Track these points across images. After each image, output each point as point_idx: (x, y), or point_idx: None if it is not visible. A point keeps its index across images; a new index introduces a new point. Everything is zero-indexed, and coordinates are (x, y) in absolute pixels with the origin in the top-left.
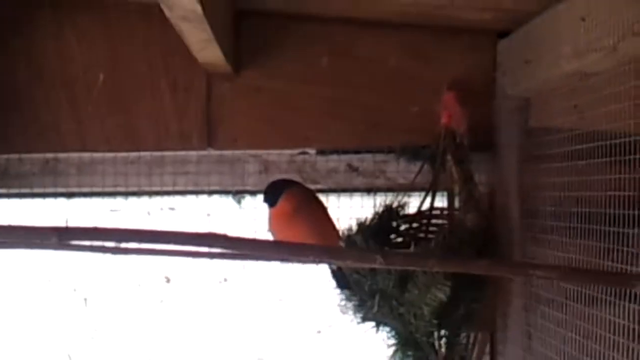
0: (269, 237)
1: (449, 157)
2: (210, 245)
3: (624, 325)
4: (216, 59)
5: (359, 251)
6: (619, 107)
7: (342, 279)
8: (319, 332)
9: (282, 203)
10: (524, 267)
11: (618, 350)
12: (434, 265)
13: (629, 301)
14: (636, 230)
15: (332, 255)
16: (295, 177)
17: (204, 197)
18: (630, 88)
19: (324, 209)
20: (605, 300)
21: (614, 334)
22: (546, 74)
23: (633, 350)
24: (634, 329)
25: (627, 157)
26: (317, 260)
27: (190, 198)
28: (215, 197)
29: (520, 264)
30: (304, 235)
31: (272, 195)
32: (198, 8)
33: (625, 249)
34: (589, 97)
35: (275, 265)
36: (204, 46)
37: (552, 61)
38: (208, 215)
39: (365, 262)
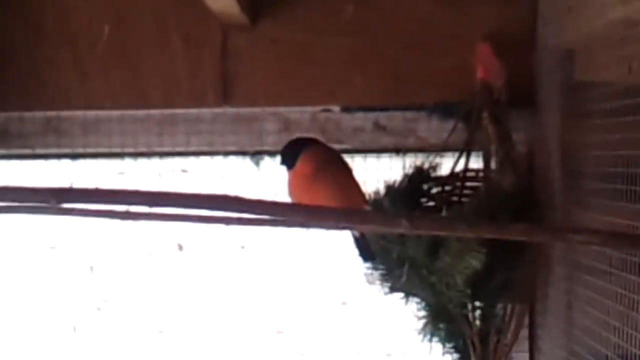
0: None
1: (485, 115)
2: (222, 209)
3: None
4: (231, 8)
5: (382, 215)
6: None
7: (365, 249)
8: (344, 303)
9: (301, 164)
10: (563, 231)
11: None
12: (465, 231)
13: None
14: None
15: (352, 219)
16: (318, 136)
17: (219, 159)
18: None
19: (348, 171)
20: None
21: None
22: (590, 23)
23: None
24: None
25: None
26: (337, 224)
27: (205, 159)
28: (232, 158)
29: (559, 228)
30: (326, 199)
31: (289, 156)
32: None
33: None
34: (639, 47)
35: (297, 232)
36: None
37: (597, 8)
38: (223, 177)
39: (389, 226)
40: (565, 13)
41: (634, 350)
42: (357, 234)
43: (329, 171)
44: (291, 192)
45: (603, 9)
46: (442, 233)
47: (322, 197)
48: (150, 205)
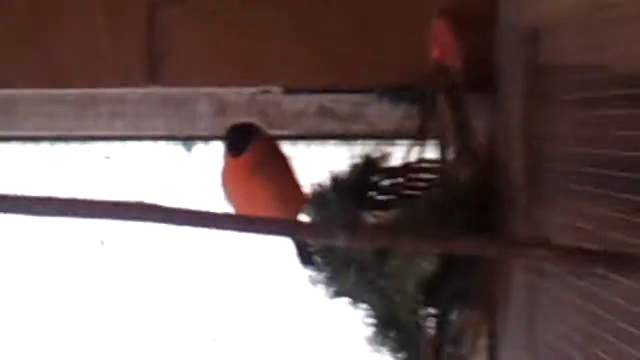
0: (220, 193)
1: (440, 99)
2: (139, 218)
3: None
4: None
5: (318, 226)
6: None
7: (305, 252)
8: (285, 306)
9: (249, 154)
10: (516, 246)
11: (632, 343)
12: (408, 243)
13: None
14: None
15: (287, 230)
16: (257, 121)
17: (146, 144)
18: None
19: (289, 164)
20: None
21: (628, 324)
22: (555, 5)
23: None
24: None
25: None
26: (270, 234)
27: (130, 145)
28: (161, 143)
29: (512, 242)
30: (266, 195)
31: (239, 142)
32: None
33: None
34: (612, 31)
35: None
36: None
37: None
38: (151, 165)
39: (326, 238)
40: None
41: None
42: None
43: (275, 165)
44: (227, 183)
45: None
46: (382, 245)
47: (262, 193)
48: (57, 214)
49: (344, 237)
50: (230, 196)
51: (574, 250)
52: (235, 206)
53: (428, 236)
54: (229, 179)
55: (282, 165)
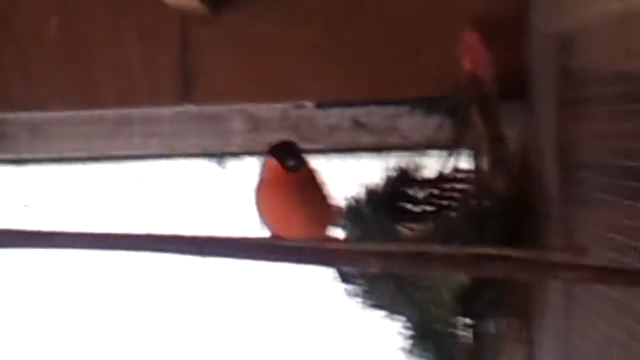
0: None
1: (473, 110)
2: (133, 249)
3: None
4: (188, 5)
5: (350, 252)
6: None
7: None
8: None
9: (304, 170)
10: (550, 267)
11: None
12: (440, 268)
13: None
14: None
15: (316, 257)
16: (290, 136)
17: (180, 162)
18: None
19: (320, 179)
20: None
21: None
22: (587, 11)
23: None
24: None
25: None
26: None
27: (164, 163)
28: (195, 160)
29: (546, 264)
30: (305, 212)
31: (296, 157)
32: None
33: None
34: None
35: None
36: None
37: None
38: (185, 182)
39: (357, 264)
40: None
41: None
42: None
43: (318, 183)
44: (265, 198)
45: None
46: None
47: (302, 210)
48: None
49: (374, 263)
50: (265, 213)
51: (609, 270)
52: (269, 223)
53: (460, 260)
54: (270, 194)
55: (318, 181)
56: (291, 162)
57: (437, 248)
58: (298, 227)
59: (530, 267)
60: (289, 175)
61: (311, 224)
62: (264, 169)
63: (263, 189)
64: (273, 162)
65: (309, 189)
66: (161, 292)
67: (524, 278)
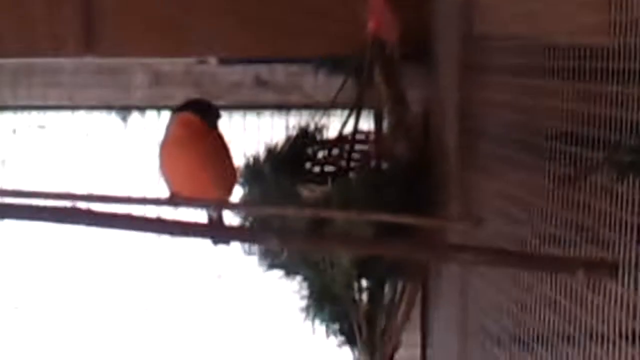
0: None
1: (376, 71)
2: (70, 222)
3: (565, 305)
4: None
5: (250, 231)
6: (586, 20)
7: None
8: (219, 276)
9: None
10: (447, 249)
11: (557, 334)
12: (339, 247)
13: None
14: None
15: (220, 233)
16: (192, 92)
17: (81, 114)
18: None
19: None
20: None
21: (552, 311)
22: None
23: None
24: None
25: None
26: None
27: (65, 114)
28: (96, 113)
29: (443, 246)
30: (212, 171)
31: (214, 115)
32: None
33: (572, 195)
34: (548, 2)
35: None
36: None
37: None
38: (86, 135)
39: (258, 242)
40: None
41: (526, 334)
42: (212, 213)
43: (225, 144)
44: (170, 152)
45: None
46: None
47: (208, 169)
48: None
49: (276, 242)
50: (170, 168)
51: (503, 252)
52: (172, 179)
53: (360, 240)
54: (179, 150)
55: (225, 141)
56: (212, 118)
57: (335, 213)
58: (203, 186)
59: (427, 248)
60: (206, 132)
61: (216, 183)
62: (175, 124)
63: (172, 144)
64: (188, 117)
65: (219, 148)
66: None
67: (421, 258)
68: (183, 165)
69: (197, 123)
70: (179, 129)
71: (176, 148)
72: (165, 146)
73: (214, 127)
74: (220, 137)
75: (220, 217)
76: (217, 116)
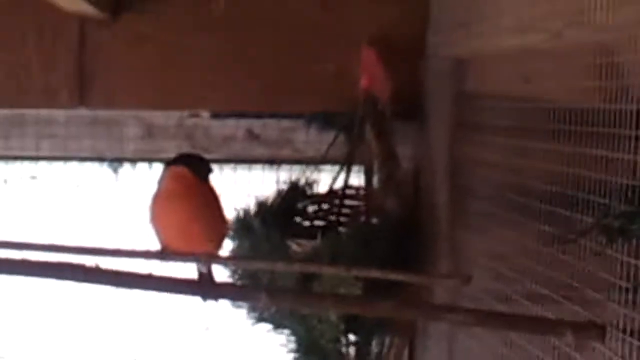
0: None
1: (368, 128)
2: (63, 278)
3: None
4: (86, 10)
5: (240, 288)
6: (577, 85)
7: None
8: (207, 329)
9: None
10: (436, 310)
11: None
12: (330, 306)
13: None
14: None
15: (206, 292)
16: (185, 144)
17: (73, 164)
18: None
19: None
20: None
21: None
22: (484, 43)
23: None
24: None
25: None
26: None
27: (57, 165)
28: (88, 164)
29: (432, 306)
30: (203, 225)
31: (205, 168)
32: None
33: (561, 256)
34: (541, 65)
35: None
36: (71, 1)
37: (491, 30)
38: (78, 186)
39: (247, 300)
40: (456, 26)
41: None
42: (202, 268)
43: (217, 197)
44: (161, 205)
45: (499, 32)
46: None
47: (200, 222)
48: None
49: (265, 299)
50: (162, 221)
51: (492, 314)
52: (163, 232)
53: (350, 300)
54: (171, 203)
55: (217, 195)
56: (204, 172)
57: (324, 268)
58: (194, 239)
59: (417, 308)
60: (198, 186)
61: (207, 237)
62: (167, 177)
63: (164, 198)
64: (181, 170)
65: (210, 201)
66: None
67: (411, 317)
68: (174, 218)
69: (189, 177)
70: (171, 183)
71: (168, 201)
72: (157, 199)
73: (206, 180)
74: (211, 191)
75: (210, 273)
76: (209, 170)
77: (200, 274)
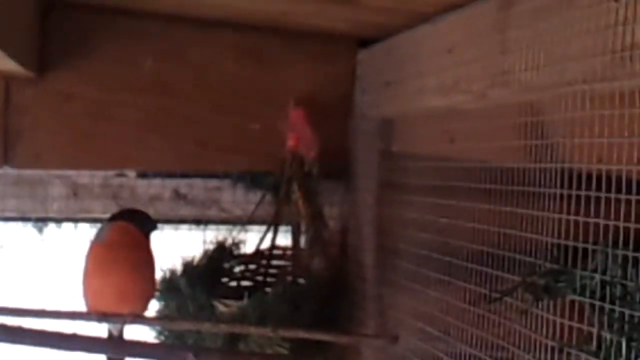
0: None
1: (295, 188)
2: None
3: None
4: (12, 69)
5: (168, 346)
6: (503, 144)
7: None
8: None
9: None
10: None
11: None
12: None
13: None
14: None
15: (133, 350)
16: (110, 204)
17: None
18: (519, 124)
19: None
20: None
21: None
22: (409, 103)
23: None
24: None
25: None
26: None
27: None
28: (12, 224)
29: None
30: (139, 281)
31: (149, 223)
32: None
33: (488, 315)
34: (466, 125)
35: None
36: None
37: (416, 91)
38: (1, 246)
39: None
40: (383, 85)
41: None
42: (115, 332)
43: (152, 254)
44: (103, 255)
45: (422, 92)
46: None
47: (136, 278)
48: None
49: (192, 358)
50: (95, 271)
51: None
52: (94, 283)
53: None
54: (107, 253)
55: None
56: (148, 228)
57: (251, 329)
58: (127, 294)
59: None
60: (142, 240)
61: (140, 294)
62: (111, 229)
63: (105, 247)
64: (126, 225)
65: (150, 259)
66: None
67: None
68: (113, 268)
69: (134, 230)
70: (114, 234)
71: (109, 251)
72: (95, 250)
73: (148, 237)
74: (150, 249)
75: (121, 332)
76: (153, 226)
77: (110, 335)
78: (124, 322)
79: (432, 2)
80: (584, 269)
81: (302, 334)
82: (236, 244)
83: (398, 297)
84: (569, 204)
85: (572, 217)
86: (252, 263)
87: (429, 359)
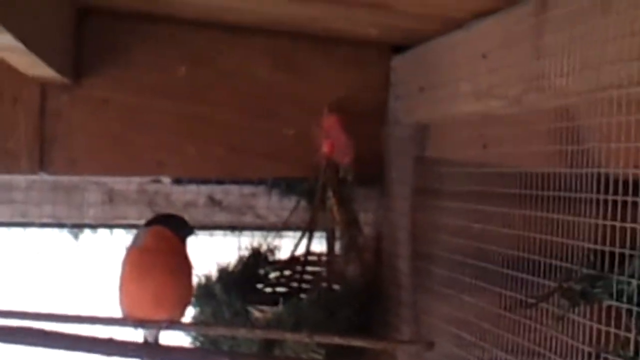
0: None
1: (330, 194)
2: (19, 342)
3: None
4: (48, 75)
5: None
6: (537, 149)
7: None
8: None
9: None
10: None
11: None
12: None
13: None
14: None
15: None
16: (146, 210)
17: (33, 231)
18: (554, 129)
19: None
20: None
21: None
22: (444, 109)
23: None
24: None
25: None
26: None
27: (17, 231)
28: (48, 230)
29: None
30: (177, 286)
31: (185, 228)
32: (20, 45)
33: (523, 321)
34: (500, 130)
35: None
36: (32, 66)
37: (450, 96)
38: (38, 252)
39: None
40: (417, 91)
41: None
42: (150, 338)
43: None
44: (140, 260)
45: (456, 98)
46: None
47: (174, 283)
48: None
49: None
50: (133, 276)
51: None
52: (127, 292)
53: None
54: (145, 257)
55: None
56: (185, 233)
57: (286, 335)
58: (165, 300)
59: None
60: (179, 245)
61: (177, 300)
62: (148, 234)
63: (142, 252)
64: (162, 230)
65: (187, 265)
66: None
67: None
68: (152, 273)
69: (170, 235)
70: (151, 240)
71: (147, 255)
72: (132, 255)
73: (184, 242)
74: (187, 255)
75: (157, 338)
76: (190, 231)
77: (145, 339)
78: (160, 328)
79: (465, 8)
80: (621, 274)
81: (337, 340)
82: (271, 250)
83: (433, 303)
84: (604, 209)
85: (608, 222)
86: (287, 269)
87: None
